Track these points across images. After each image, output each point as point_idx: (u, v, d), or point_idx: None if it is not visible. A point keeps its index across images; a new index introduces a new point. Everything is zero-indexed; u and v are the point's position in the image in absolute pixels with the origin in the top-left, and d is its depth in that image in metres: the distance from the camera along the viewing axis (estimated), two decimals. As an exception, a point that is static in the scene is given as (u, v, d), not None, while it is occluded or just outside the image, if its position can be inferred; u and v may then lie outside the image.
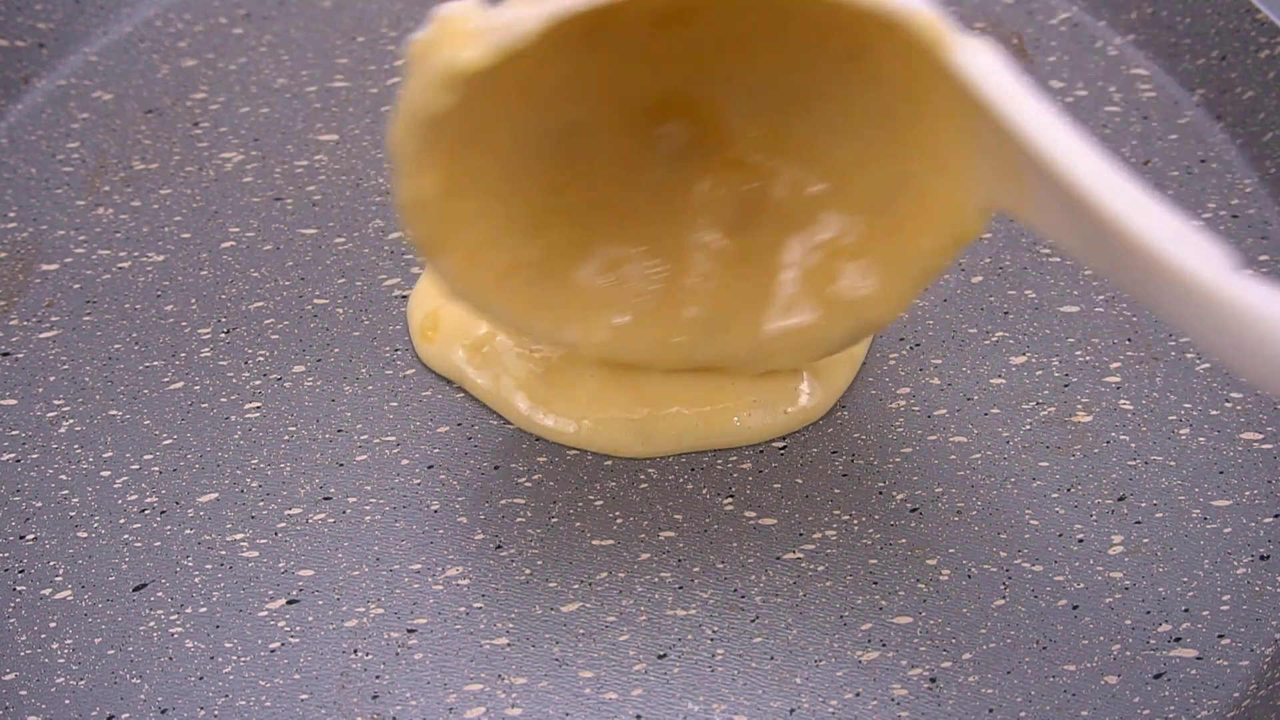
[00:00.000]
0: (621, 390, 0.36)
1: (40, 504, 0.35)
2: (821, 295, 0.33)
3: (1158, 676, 0.32)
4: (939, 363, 0.38)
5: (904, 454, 0.36)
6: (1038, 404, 0.37)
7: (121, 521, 0.35)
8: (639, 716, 0.32)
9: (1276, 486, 0.35)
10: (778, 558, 0.34)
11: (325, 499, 0.35)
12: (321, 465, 0.36)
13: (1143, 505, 0.35)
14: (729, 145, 0.33)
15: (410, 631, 0.33)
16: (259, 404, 0.37)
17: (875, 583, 0.34)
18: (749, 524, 0.35)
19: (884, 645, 0.33)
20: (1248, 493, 0.35)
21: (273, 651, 0.33)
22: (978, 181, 0.29)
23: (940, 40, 0.26)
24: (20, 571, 0.34)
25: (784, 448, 0.36)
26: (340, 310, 0.39)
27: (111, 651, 0.33)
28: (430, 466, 0.36)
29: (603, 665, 0.32)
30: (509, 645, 0.33)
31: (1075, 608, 0.33)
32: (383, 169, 0.43)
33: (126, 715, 0.32)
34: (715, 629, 0.33)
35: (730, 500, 0.35)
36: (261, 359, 0.38)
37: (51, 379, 0.38)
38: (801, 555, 0.34)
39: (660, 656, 0.32)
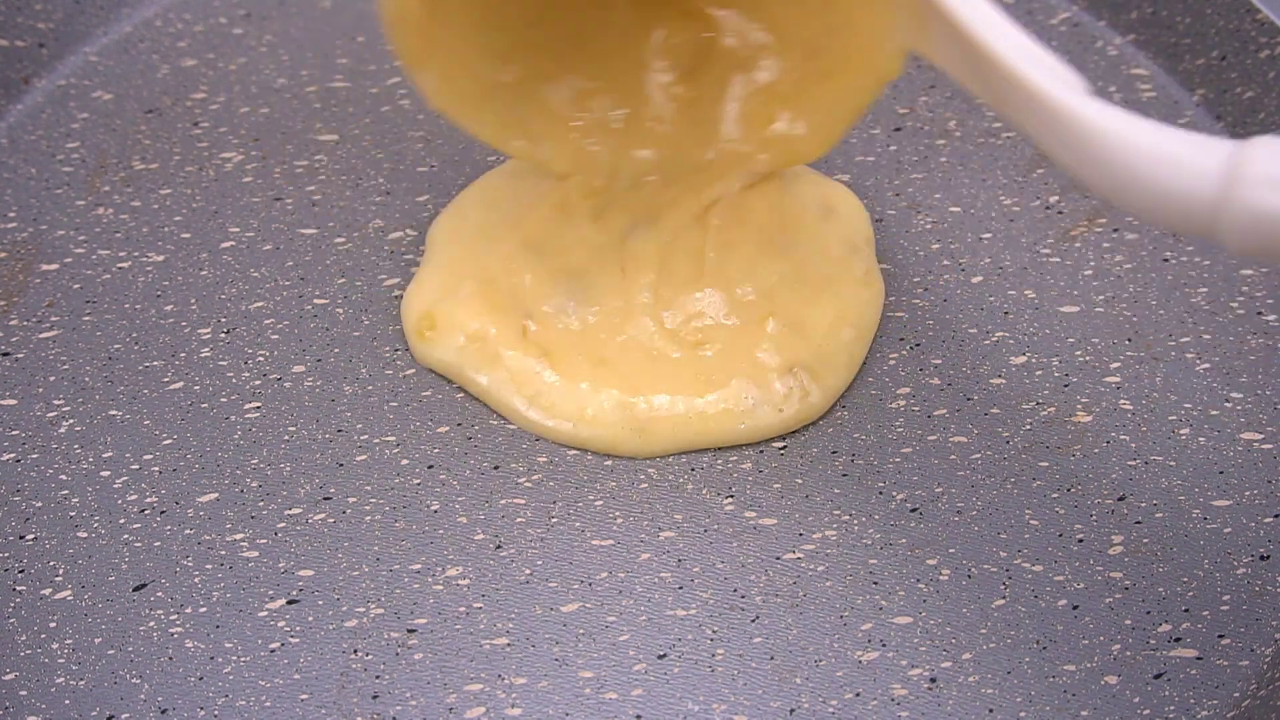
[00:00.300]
0: (619, 387, 0.36)
1: (40, 504, 0.35)
2: (759, 136, 0.36)
3: (1158, 676, 0.32)
4: (939, 363, 0.38)
5: (904, 454, 0.36)
6: (1038, 404, 0.37)
7: (121, 521, 0.35)
8: (639, 716, 0.32)
9: (1276, 486, 0.35)
10: (778, 558, 0.34)
11: (325, 499, 0.35)
12: (321, 465, 0.36)
13: (1143, 505, 0.35)
14: None
15: (410, 631, 0.33)
16: (259, 404, 0.37)
17: (875, 583, 0.34)
18: (749, 524, 0.35)
19: (884, 645, 0.33)
20: (1248, 493, 0.35)
21: (273, 651, 0.33)
22: (895, 28, 0.32)
23: None
24: (20, 571, 0.34)
25: (784, 448, 0.36)
26: (340, 310, 0.39)
27: (111, 651, 0.33)
28: (430, 466, 0.36)
29: (603, 665, 0.32)
30: (509, 645, 0.33)
31: (1075, 608, 0.33)
32: (383, 169, 0.43)
33: (126, 715, 0.32)
34: (715, 629, 0.33)
35: (730, 500, 0.35)
36: (261, 359, 0.38)
37: (51, 379, 0.38)
38: (801, 555, 0.34)
39: (660, 656, 0.32)
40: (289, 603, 0.33)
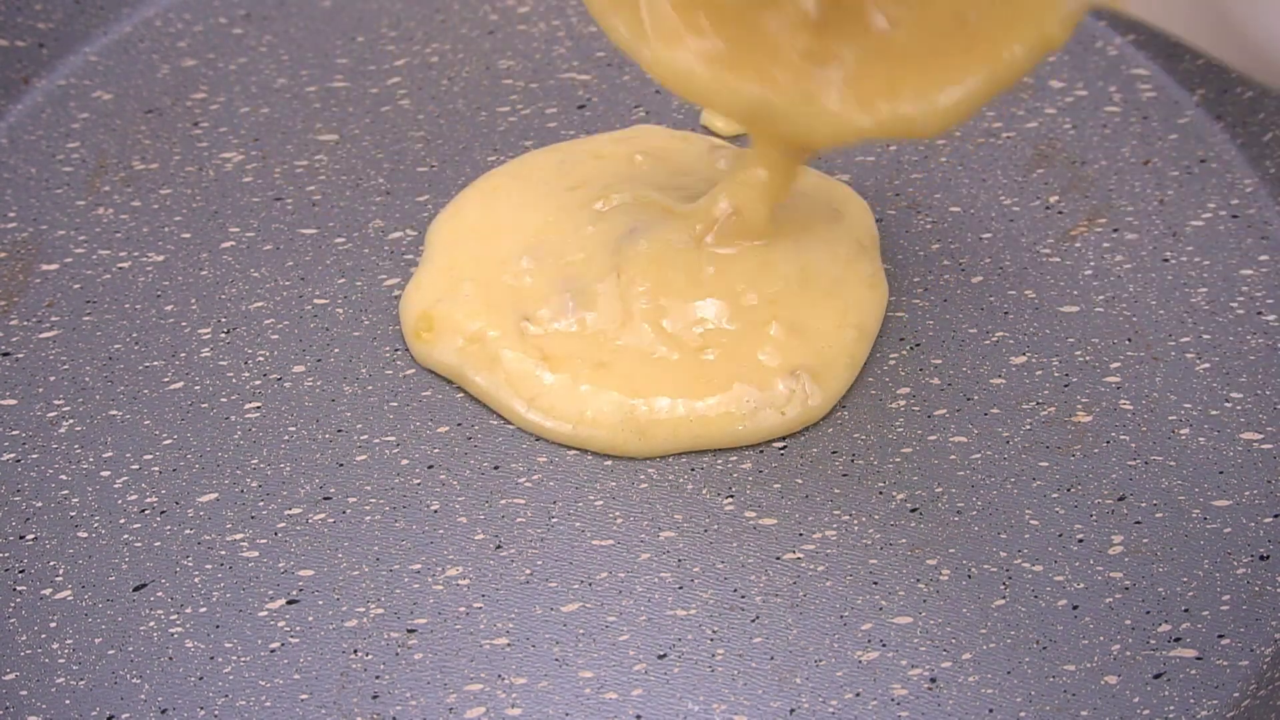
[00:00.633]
0: (619, 389, 0.36)
1: (40, 504, 0.35)
2: (877, 107, 0.33)
3: (1158, 676, 0.32)
4: (939, 363, 0.38)
5: (904, 454, 0.36)
6: (1038, 404, 0.37)
7: (121, 521, 0.35)
8: (639, 716, 0.32)
9: (1276, 486, 0.35)
10: (778, 558, 0.34)
11: (325, 499, 0.35)
12: (321, 465, 0.36)
13: (1143, 505, 0.35)
14: None
15: (410, 631, 0.33)
16: (259, 404, 0.37)
17: (875, 583, 0.34)
18: (749, 524, 0.35)
19: (884, 645, 0.33)
20: (1248, 493, 0.35)
21: (273, 651, 0.33)
22: None
23: None
24: (20, 571, 0.34)
25: (784, 448, 0.36)
26: (340, 310, 0.39)
27: (111, 651, 0.33)
28: (430, 466, 0.36)
29: (603, 665, 0.32)
30: (509, 645, 0.33)
31: (1075, 608, 0.33)
32: (383, 169, 0.43)
33: (126, 715, 0.32)
34: (715, 629, 0.33)
35: (730, 500, 0.35)
36: (261, 359, 0.38)
37: (51, 379, 0.38)
38: (801, 555, 0.34)
39: (660, 656, 0.32)
40: (289, 603, 0.33)
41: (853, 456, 0.36)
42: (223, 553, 0.34)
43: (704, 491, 0.35)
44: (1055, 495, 0.35)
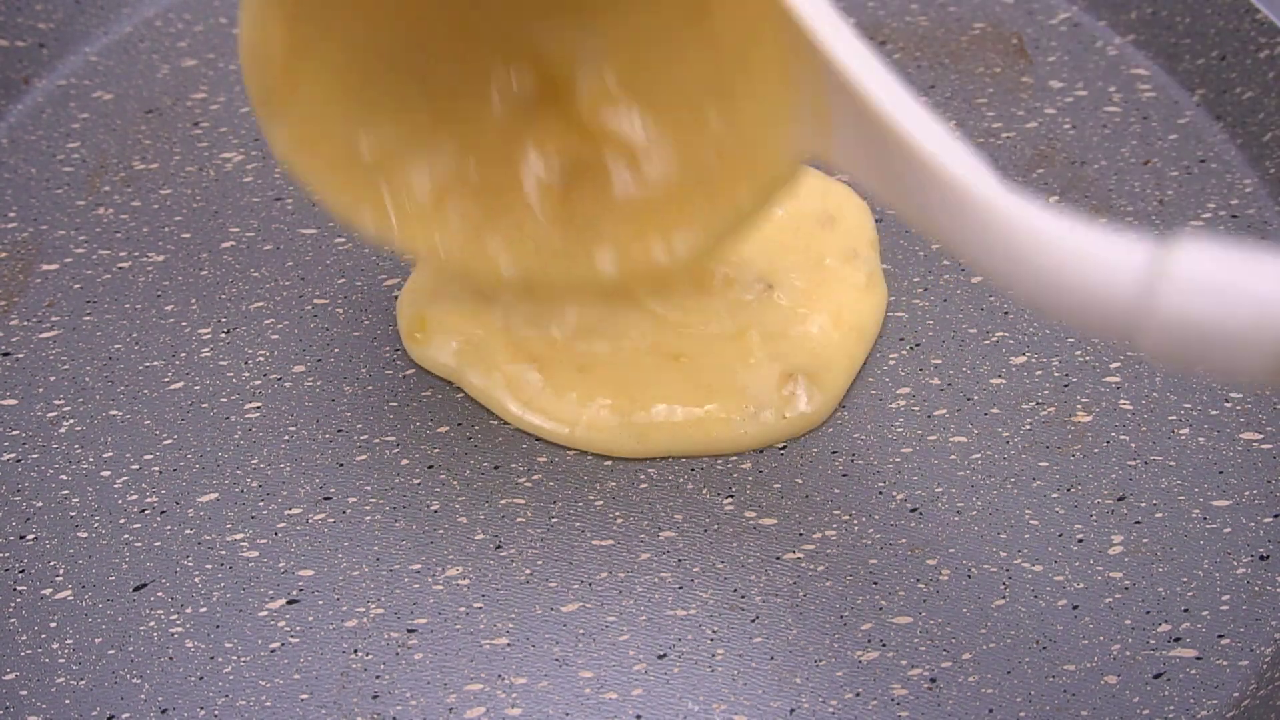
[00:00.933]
0: (613, 395, 0.36)
1: (40, 504, 0.35)
2: (634, 253, 0.34)
3: (1158, 676, 0.32)
4: (939, 363, 0.38)
5: (904, 454, 0.36)
6: (1038, 404, 0.37)
7: (121, 521, 0.35)
8: (639, 716, 0.32)
9: (1276, 486, 0.35)
10: (778, 558, 0.34)
11: (325, 499, 0.35)
12: (321, 465, 0.36)
13: (1143, 505, 0.35)
14: (569, 101, 0.34)
15: (410, 631, 0.33)
16: (259, 404, 0.37)
17: (875, 583, 0.34)
18: (749, 524, 0.35)
19: (884, 645, 0.33)
20: (1248, 493, 0.35)
21: (273, 651, 0.33)
22: (795, 131, 0.30)
23: None
24: (20, 571, 0.34)
25: (784, 448, 0.36)
26: (340, 310, 0.39)
27: (111, 651, 0.33)
28: (430, 466, 0.36)
29: (603, 665, 0.32)
30: (509, 645, 0.33)
31: (1075, 608, 0.33)
32: (383, 169, 0.43)
33: (126, 715, 0.32)
34: (715, 629, 0.33)
35: (730, 500, 0.35)
36: (261, 359, 0.38)
37: (51, 379, 0.38)
38: (801, 555, 0.34)
39: (660, 656, 0.32)
40: (289, 603, 0.33)
41: (853, 456, 0.36)
42: (223, 553, 0.34)
43: (704, 491, 0.35)
44: (1055, 495, 0.35)
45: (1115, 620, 0.33)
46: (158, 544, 0.34)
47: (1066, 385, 0.37)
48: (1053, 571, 0.34)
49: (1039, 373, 0.38)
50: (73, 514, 0.35)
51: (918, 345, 0.38)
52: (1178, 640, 0.33)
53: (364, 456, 0.36)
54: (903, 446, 0.36)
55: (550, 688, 0.32)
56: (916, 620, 0.33)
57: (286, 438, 0.36)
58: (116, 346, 0.39)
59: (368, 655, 0.32)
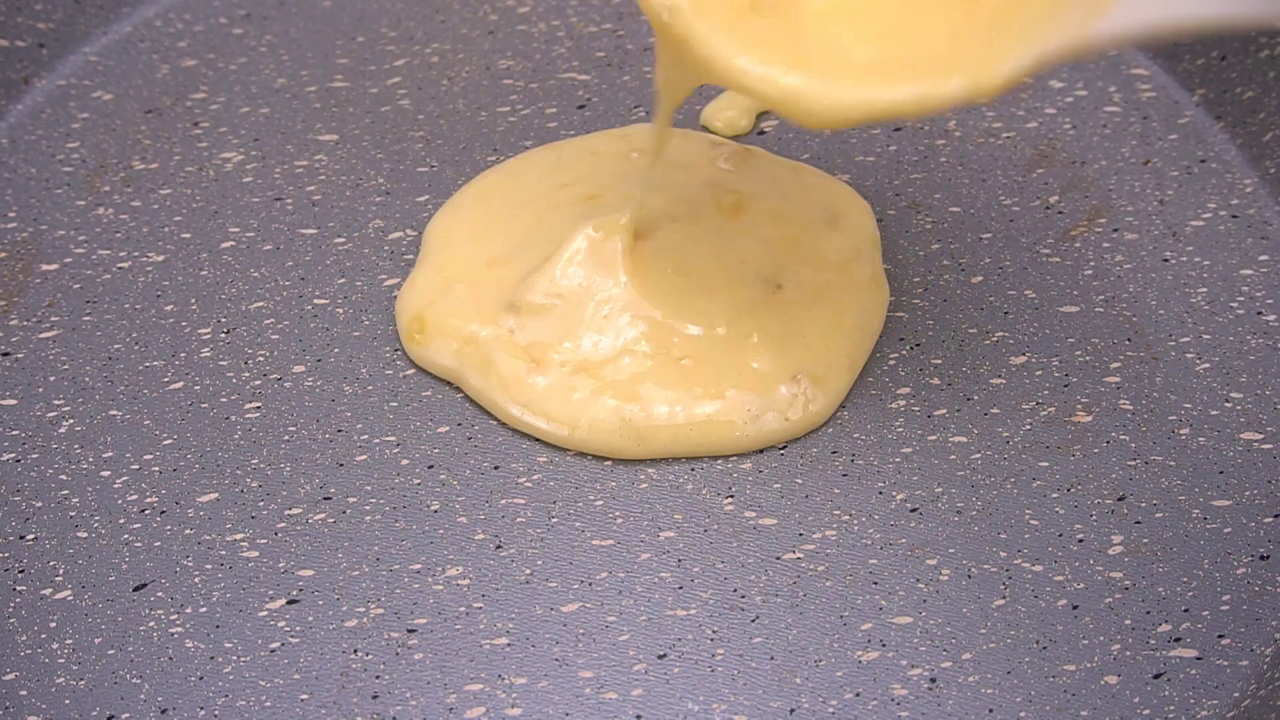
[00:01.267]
0: (617, 395, 0.36)
1: (40, 504, 0.35)
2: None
3: (1158, 676, 0.32)
4: (939, 363, 0.38)
5: (904, 454, 0.36)
6: (1038, 404, 0.37)
7: (121, 521, 0.35)
8: (639, 716, 0.32)
9: (1276, 486, 0.35)
10: (778, 558, 0.34)
11: (325, 499, 0.35)
12: (321, 465, 0.36)
13: (1143, 505, 0.35)
14: None
15: (410, 631, 0.33)
16: (259, 404, 0.37)
17: (875, 583, 0.34)
18: (749, 524, 0.35)
19: (884, 645, 0.33)
20: (1248, 493, 0.35)
21: (273, 651, 0.33)
22: None
23: None
24: (20, 571, 0.34)
25: (784, 448, 0.36)
26: (340, 310, 0.39)
27: (111, 651, 0.33)
28: (430, 466, 0.36)
29: (603, 665, 0.32)
30: (509, 645, 0.33)
31: (1075, 608, 0.33)
32: (383, 169, 0.43)
33: (126, 715, 0.32)
34: (715, 629, 0.33)
35: (730, 500, 0.35)
36: (261, 359, 0.38)
37: (51, 379, 0.38)
38: (801, 555, 0.34)
39: (660, 656, 0.32)
40: (289, 603, 0.33)
41: (853, 456, 0.36)
42: (223, 553, 0.34)
43: (704, 491, 0.35)
44: (1055, 495, 0.35)
45: (1115, 620, 0.33)
46: (158, 544, 0.34)
47: (1066, 385, 0.37)
48: (1053, 571, 0.34)
49: (1039, 373, 0.38)
50: (73, 514, 0.35)
51: (918, 345, 0.38)
52: (1178, 640, 0.33)
53: (364, 456, 0.36)
54: (903, 446, 0.36)
55: (550, 688, 0.32)
56: (916, 620, 0.33)
57: (286, 438, 0.36)
58: (116, 346, 0.39)
59: (368, 655, 0.32)
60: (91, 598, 0.33)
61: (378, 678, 0.32)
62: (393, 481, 0.36)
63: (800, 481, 0.36)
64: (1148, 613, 0.33)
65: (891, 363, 0.38)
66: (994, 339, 0.39)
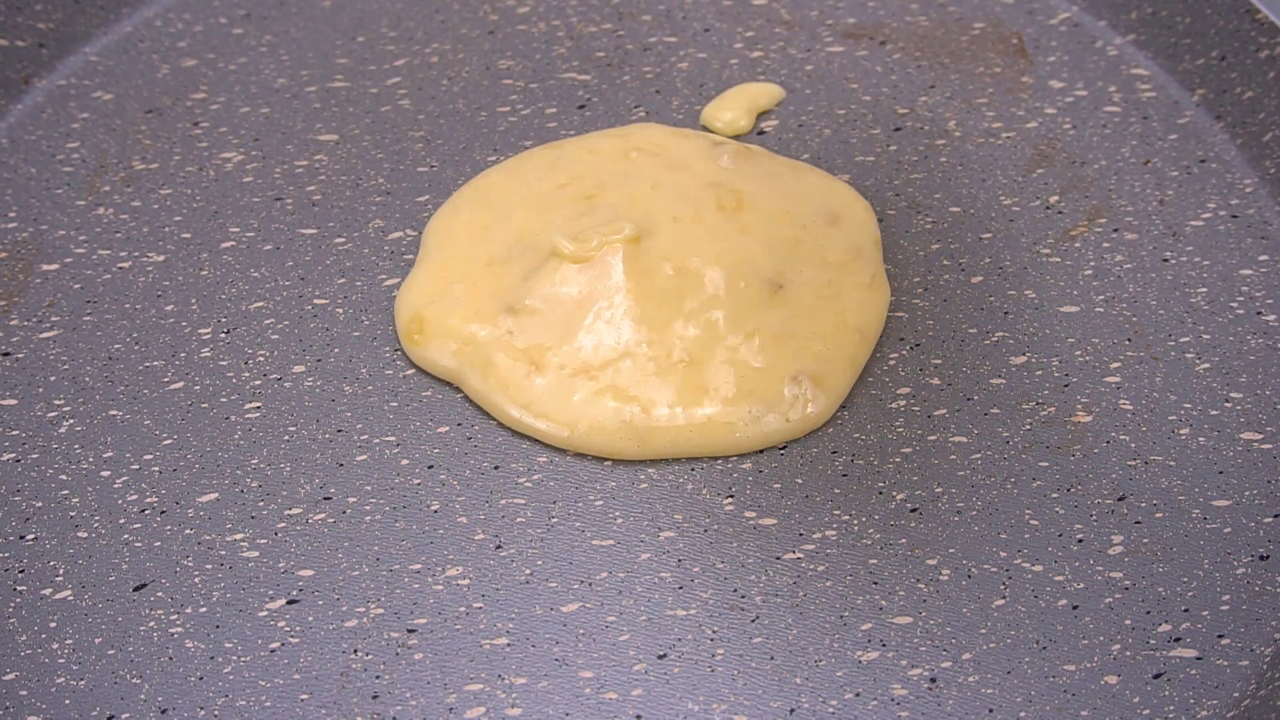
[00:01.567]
0: (617, 396, 0.36)
1: (40, 504, 0.35)
2: None
3: (1158, 676, 0.32)
4: (939, 363, 0.38)
5: (904, 454, 0.36)
6: (1038, 404, 0.37)
7: (121, 521, 0.35)
8: (639, 716, 0.32)
9: (1276, 486, 0.35)
10: (778, 558, 0.34)
11: (325, 499, 0.35)
12: (321, 465, 0.36)
13: (1143, 505, 0.35)
14: None
15: (410, 631, 0.33)
16: (259, 404, 0.37)
17: (875, 583, 0.34)
18: (749, 524, 0.35)
19: (884, 645, 0.33)
20: (1248, 493, 0.35)
21: (273, 651, 0.33)
22: None
23: None
24: (20, 571, 0.34)
25: (784, 448, 0.36)
26: (340, 310, 0.39)
27: (111, 651, 0.33)
28: (430, 466, 0.36)
29: (603, 665, 0.32)
30: (509, 645, 0.33)
31: (1075, 608, 0.33)
32: (383, 169, 0.43)
33: (126, 715, 0.32)
34: (715, 629, 0.33)
35: (730, 500, 0.35)
36: (261, 359, 0.38)
37: (51, 379, 0.38)
38: (801, 555, 0.34)
39: (660, 656, 0.32)
40: (289, 603, 0.33)
41: (853, 456, 0.36)
42: (223, 553, 0.34)
43: (704, 491, 0.35)
44: (1055, 495, 0.35)
45: (1115, 620, 0.33)
46: (158, 544, 0.34)
47: (1066, 385, 0.37)
48: (1053, 571, 0.34)
49: (1039, 373, 0.38)
50: (73, 514, 0.35)
51: (918, 345, 0.38)
52: (1178, 640, 0.33)
53: (364, 456, 0.36)
54: (903, 446, 0.36)
55: (550, 688, 0.32)
56: (916, 620, 0.33)
57: (286, 438, 0.36)
58: (116, 346, 0.39)
59: (368, 655, 0.32)
60: (91, 598, 0.33)
61: (378, 678, 0.32)
62: (393, 481, 0.36)
63: (800, 481, 0.36)
64: (1148, 613, 0.33)
65: (891, 363, 0.38)
66: (994, 339, 0.39)
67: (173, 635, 0.33)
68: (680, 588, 0.34)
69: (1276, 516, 0.35)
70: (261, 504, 0.35)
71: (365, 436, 0.36)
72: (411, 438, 0.36)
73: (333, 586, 0.34)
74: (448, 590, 0.34)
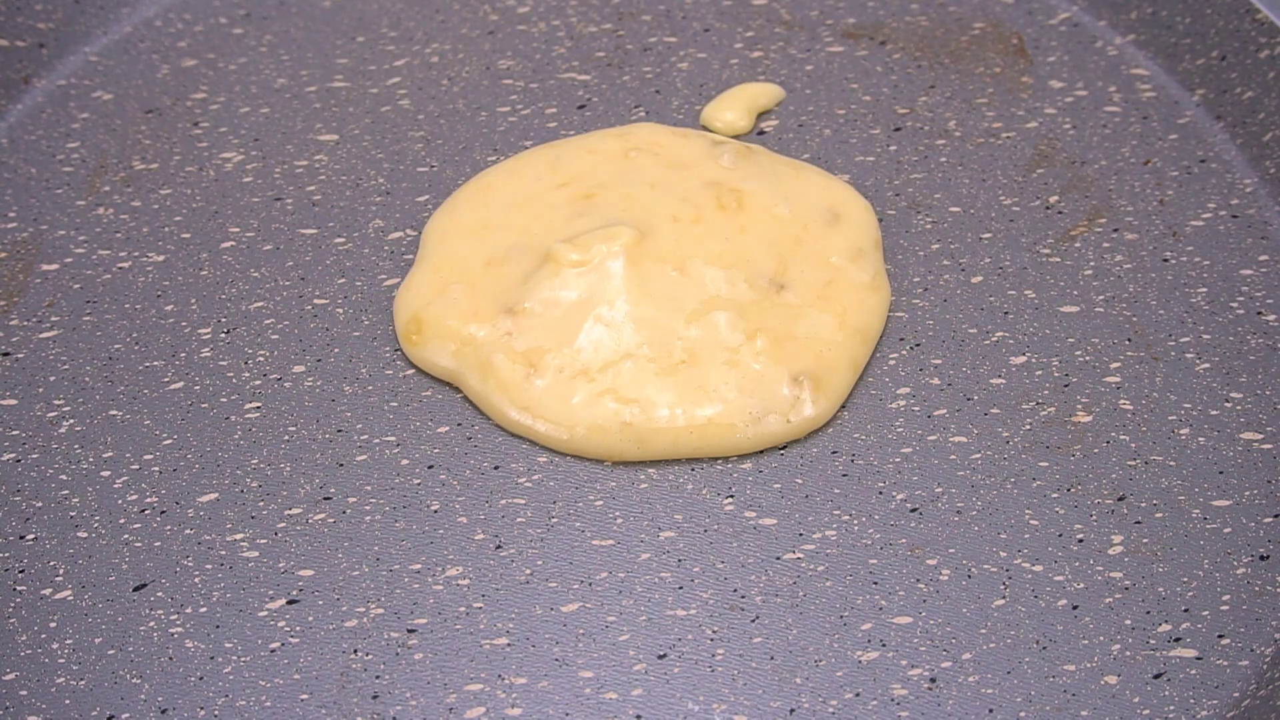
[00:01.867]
0: (617, 398, 0.36)
1: (40, 504, 0.35)
2: None
3: (1158, 676, 0.32)
4: (939, 363, 0.38)
5: (904, 454, 0.36)
6: (1038, 404, 0.37)
7: (121, 521, 0.35)
8: (639, 716, 0.32)
9: (1276, 486, 0.35)
10: (778, 558, 0.34)
11: (325, 499, 0.35)
12: (321, 465, 0.36)
13: (1143, 505, 0.35)
14: None
15: (410, 631, 0.33)
16: (259, 404, 0.37)
17: (875, 583, 0.34)
18: (749, 524, 0.35)
19: (884, 645, 0.33)
20: (1248, 493, 0.35)
21: (273, 651, 0.33)
22: None
23: None
24: (20, 571, 0.34)
25: (784, 448, 0.36)
26: (340, 310, 0.39)
27: (111, 651, 0.33)
28: (430, 466, 0.36)
29: (603, 665, 0.32)
30: (509, 645, 0.33)
31: (1075, 608, 0.33)
32: (383, 169, 0.43)
33: (126, 715, 0.32)
34: (715, 629, 0.33)
35: (730, 500, 0.35)
36: (261, 359, 0.38)
37: (51, 379, 0.38)
38: (801, 555, 0.34)
39: (660, 656, 0.32)
40: (289, 603, 0.33)
41: (853, 456, 0.36)
42: (223, 553, 0.34)
43: (704, 492, 0.35)
44: (1055, 495, 0.35)
45: (1115, 620, 0.33)
46: (158, 544, 0.34)
47: (1066, 385, 0.37)
48: (1053, 571, 0.34)
49: (1039, 373, 0.38)
50: (73, 514, 0.35)
51: (918, 345, 0.38)
52: (1178, 640, 0.33)
53: (364, 456, 0.36)
54: (903, 446, 0.36)
55: (550, 688, 0.32)
56: (916, 620, 0.33)
57: (286, 438, 0.36)
58: (116, 346, 0.39)
59: (368, 655, 0.32)
60: (91, 598, 0.33)
61: (378, 678, 0.32)
62: (393, 481, 0.36)
63: (800, 481, 0.36)
64: (1148, 613, 0.33)
65: (891, 363, 0.38)
66: (994, 339, 0.39)
67: (173, 635, 0.33)
68: (680, 588, 0.34)
69: (1276, 516, 0.35)
70: (261, 504, 0.35)
71: (365, 436, 0.36)
72: (411, 438, 0.36)
73: (333, 586, 0.34)
74: (448, 590, 0.34)
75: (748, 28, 0.47)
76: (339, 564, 0.34)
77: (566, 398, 0.36)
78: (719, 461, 0.36)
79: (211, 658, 0.32)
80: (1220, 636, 0.33)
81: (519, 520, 0.35)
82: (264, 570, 0.34)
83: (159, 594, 0.34)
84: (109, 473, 0.36)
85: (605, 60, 0.46)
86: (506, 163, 0.42)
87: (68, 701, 0.32)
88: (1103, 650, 0.33)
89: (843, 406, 0.37)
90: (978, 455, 0.36)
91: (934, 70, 0.46)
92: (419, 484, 0.36)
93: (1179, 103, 0.45)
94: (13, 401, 0.37)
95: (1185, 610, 0.33)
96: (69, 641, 0.33)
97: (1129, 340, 0.38)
